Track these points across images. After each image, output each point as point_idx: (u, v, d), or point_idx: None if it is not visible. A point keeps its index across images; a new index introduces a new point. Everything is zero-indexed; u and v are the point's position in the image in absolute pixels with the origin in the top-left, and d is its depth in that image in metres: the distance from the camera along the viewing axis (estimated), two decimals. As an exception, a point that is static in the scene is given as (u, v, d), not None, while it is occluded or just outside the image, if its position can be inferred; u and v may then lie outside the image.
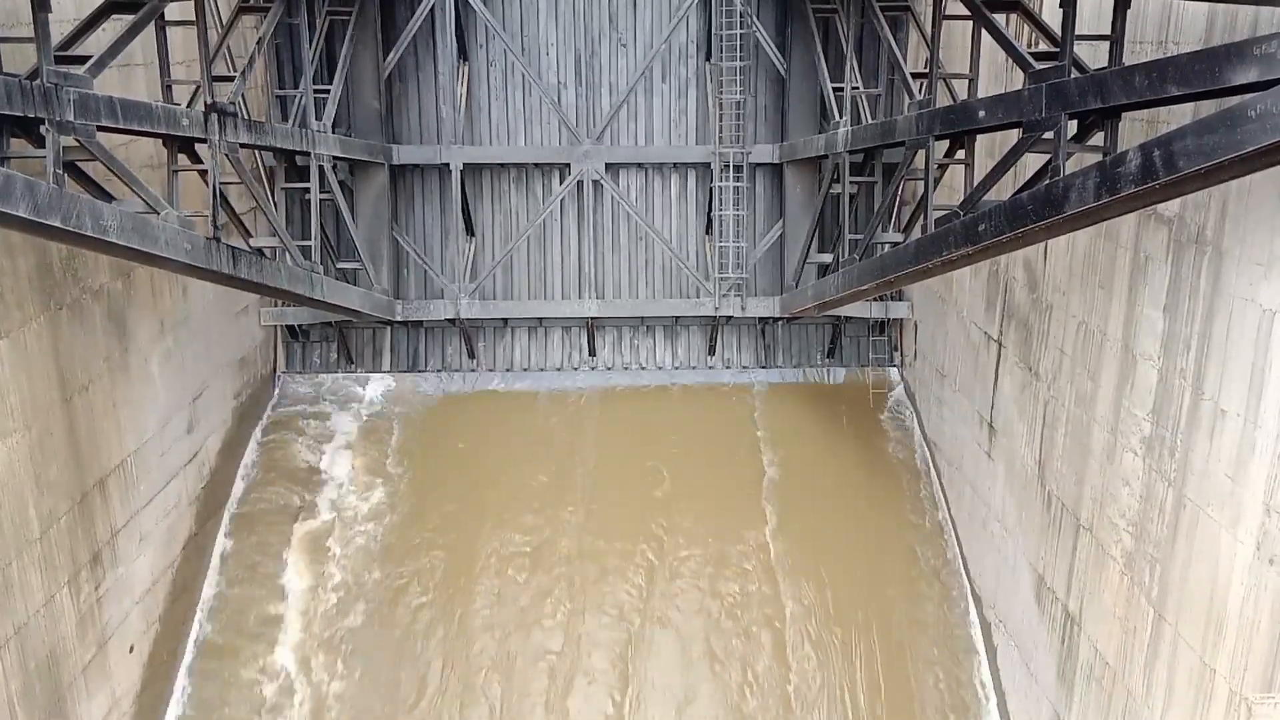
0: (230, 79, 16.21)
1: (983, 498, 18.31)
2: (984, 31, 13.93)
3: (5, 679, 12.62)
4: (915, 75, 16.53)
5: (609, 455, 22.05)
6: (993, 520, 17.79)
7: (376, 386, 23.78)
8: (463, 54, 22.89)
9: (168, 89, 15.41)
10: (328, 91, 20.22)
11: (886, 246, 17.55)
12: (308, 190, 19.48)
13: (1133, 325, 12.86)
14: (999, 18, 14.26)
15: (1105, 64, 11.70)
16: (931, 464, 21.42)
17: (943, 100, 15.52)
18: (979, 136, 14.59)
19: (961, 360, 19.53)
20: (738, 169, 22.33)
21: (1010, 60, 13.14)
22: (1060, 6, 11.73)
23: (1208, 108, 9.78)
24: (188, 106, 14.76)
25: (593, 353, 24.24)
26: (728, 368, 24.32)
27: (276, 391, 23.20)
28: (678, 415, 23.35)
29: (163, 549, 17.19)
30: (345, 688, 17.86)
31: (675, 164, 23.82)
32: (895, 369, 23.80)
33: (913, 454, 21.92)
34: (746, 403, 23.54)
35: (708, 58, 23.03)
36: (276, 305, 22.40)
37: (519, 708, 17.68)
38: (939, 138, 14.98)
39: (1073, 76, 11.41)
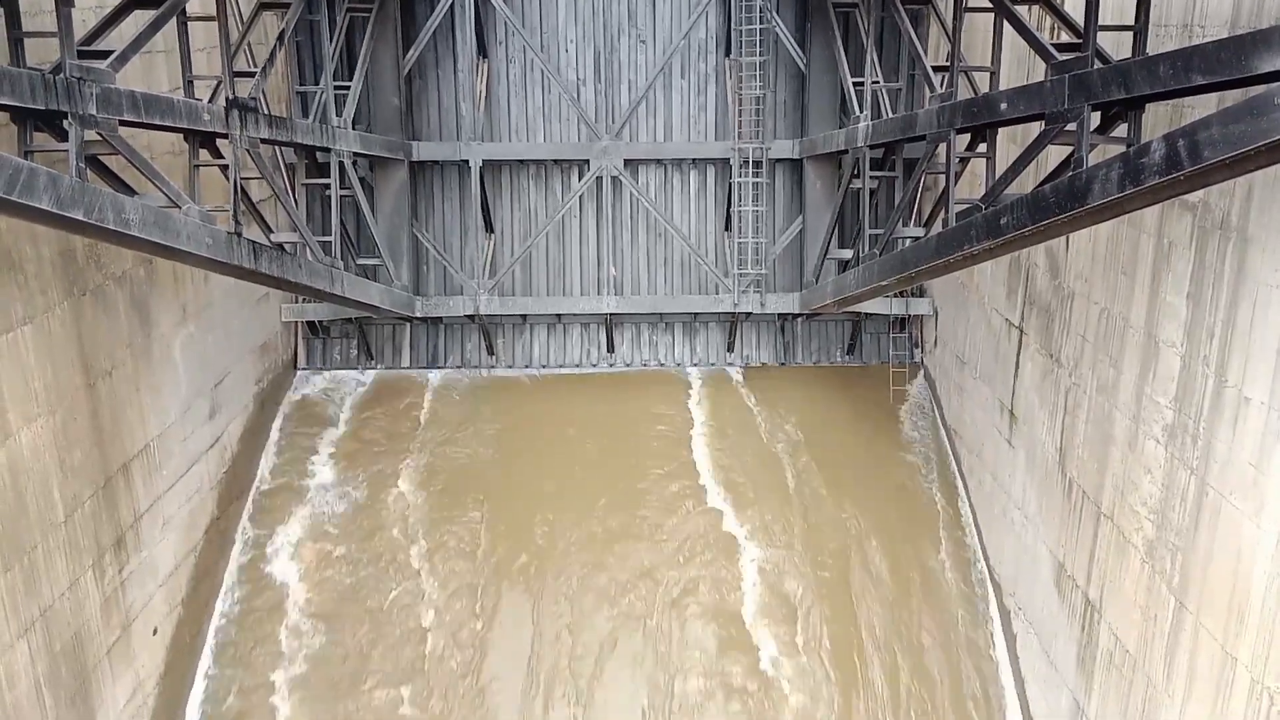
0: (251, 75, 16.32)
1: (1003, 485, 18.30)
2: (1005, 23, 13.92)
3: (32, 661, 12.74)
4: (936, 68, 16.53)
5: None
6: (1013, 508, 17.77)
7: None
8: (482, 51, 22.98)
9: (189, 84, 15.54)
10: (348, 88, 20.36)
11: (907, 241, 17.52)
12: (328, 186, 19.68)
13: (1156, 312, 12.85)
14: (1021, 9, 14.26)
15: (1128, 54, 11.71)
16: (951, 451, 21.41)
17: (964, 93, 15.50)
18: (1001, 129, 14.57)
19: (982, 347, 19.53)
20: (757, 164, 22.39)
21: (1032, 51, 13.11)
22: (1083, -5, 11.74)
23: (1234, 97, 9.73)
24: (209, 102, 14.87)
25: (611, 349, 24.28)
26: (746, 364, 24.35)
27: (297, 379, 23.44)
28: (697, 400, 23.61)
29: (185, 533, 17.33)
30: (357, 671, 17.99)
31: (694, 160, 23.87)
32: (916, 365, 23.77)
33: (933, 441, 21.93)
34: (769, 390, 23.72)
35: (727, 53, 23.09)
36: (297, 302, 22.53)
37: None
38: (960, 131, 14.96)
39: (1096, 67, 11.36)
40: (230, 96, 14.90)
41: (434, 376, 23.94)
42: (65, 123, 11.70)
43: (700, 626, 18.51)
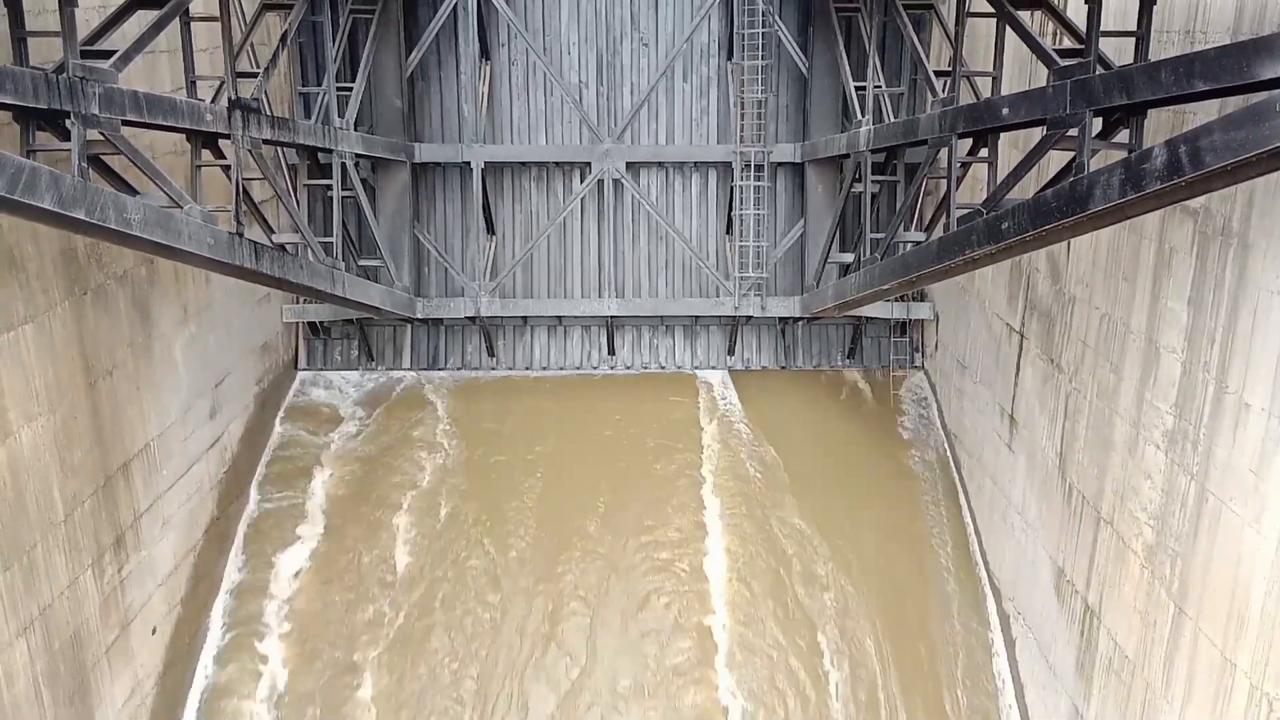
0: (254, 75, 16.34)
1: (1003, 490, 18.31)
2: (1008, 28, 13.94)
3: (31, 659, 12.75)
4: (938, 73, 16.57)
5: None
6: (1012, 512, 17.78)
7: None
8: (484, 53, 23.02)
9: (192, 84, 15.57)
10: (350, 89, 20.39)
11: (908, 246, 17.54)
12: (330, 187, 19.74)
13: (1156, 318, 12.86)
14: (1023, 14, 14.27)
15: (1130, 60, 11.72)
16: (952, 455, 21.42)
17: (966, 98, 15.53)
18: (1002, 134, 14.57)
19: (983, 352, 19.54)
20: (759, 168, 22.42)
21: (1034, 57, 13.15)
22: (1085, 2, 11.74)
23: (1235, 103, 9.75)
24: (211, 102, 14.88)
25: (612, 351, 24.28)
26: (747, 368, 24.34)
27: (298, 380, 23.46)
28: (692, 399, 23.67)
29: (185, 533, 17.35)
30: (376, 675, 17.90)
31: (696, 163, 23.89)
32: (918, 369, 23.76)
33: (932, 445, 21.95)
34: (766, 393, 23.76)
35: (729, 57, 23.12)
36: (298, 302, 22.55)
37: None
38: (962, 136, 14.95)
39: (1098, 73, 11.39)
40: (233, 97, 14.92)
41: (424, 478, 21.21)
42: (68, 122, 11.71)
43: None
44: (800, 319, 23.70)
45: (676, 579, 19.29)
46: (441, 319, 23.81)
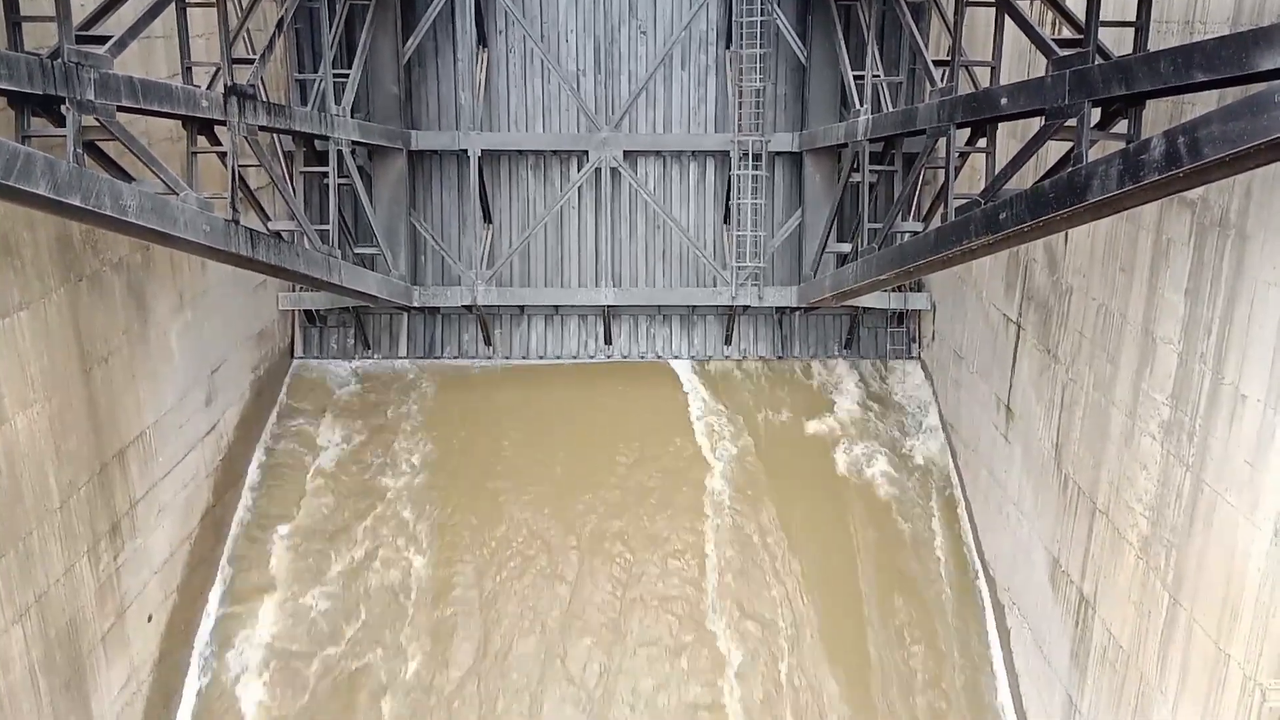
0: (250, 62, 16.29)
1: (999, 480, 18.32)
2: (1007, 18, 13.92)
3: (27, 646, 12.74)
4: (937, 63, 16.54)
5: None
6: (1008, 503, 17.80)
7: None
8: (482, 40, 22.94)
9: (188, 70, 15.51)
10: (347, 76, 20.33)
11: (906, 236, 17.53)
12: (326, 175, 19.67)
13: (1153, 309, 12.87)
14: (1022, 4, 14.26)
15: (1129, 50, 11.70)
16: (948, 446, 21.43)
17: (964, 88, 15.48)
18: (1001, 124, 14.54)
19: (980, 342, 19.55)
20: (756, 157, 22.36)
21: (1033, 47, 13.11)
22: (1084, -9, 11.72)
23: (1234, 94, 9.72)
24: (207, 88, 14.84)
25: (609, 341, 24.26)
26: (744, 358, 24.32)
27: (294, 367, 23.42)
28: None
29: (181, 520, 17.33)
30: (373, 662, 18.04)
31: (694, 152, 23.84)
32: (915, 360, 23.76)
33: (929, 435, 21.95)
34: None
35: (728, 45, 23.04)
36: (294, 290, 22.51)
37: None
38: (960, 126, 14.92)
39: (1096, 63, 11.36)
40: (229, 83, 14.88)
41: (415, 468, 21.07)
42: (63, 108, 11.71)
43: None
44: (797, 309, 23.67)
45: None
46: (438, 307, 23.76)
